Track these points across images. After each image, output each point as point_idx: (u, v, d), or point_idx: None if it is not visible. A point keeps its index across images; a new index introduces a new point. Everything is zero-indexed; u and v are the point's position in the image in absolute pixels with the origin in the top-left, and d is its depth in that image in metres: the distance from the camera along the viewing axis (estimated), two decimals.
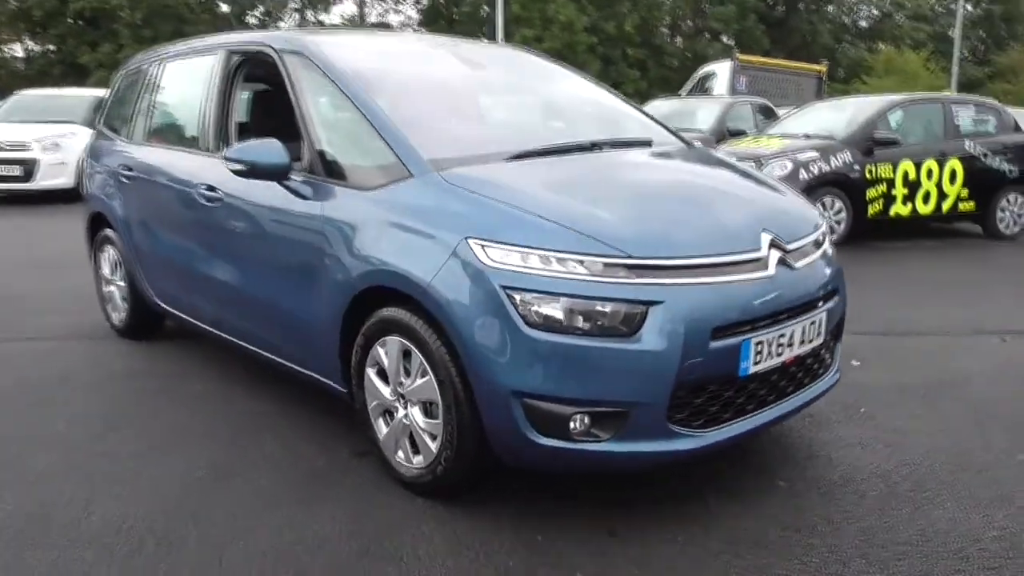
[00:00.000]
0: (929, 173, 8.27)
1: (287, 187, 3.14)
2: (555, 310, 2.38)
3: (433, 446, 2.70)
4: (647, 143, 3.49)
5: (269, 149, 3.09)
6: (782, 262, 2.65)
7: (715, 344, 2.44)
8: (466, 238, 2.51)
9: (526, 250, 2.43)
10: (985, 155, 8.49)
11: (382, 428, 2.94)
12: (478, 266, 2.47)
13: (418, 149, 2.86)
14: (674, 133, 3.74)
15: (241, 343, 3.66)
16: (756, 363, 2.54)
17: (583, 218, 2.53)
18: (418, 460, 2.79)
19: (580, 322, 2.36)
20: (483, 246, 2.48)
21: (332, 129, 3.20)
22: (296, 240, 3.14)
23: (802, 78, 17.64)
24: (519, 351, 2.40)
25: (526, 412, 2.43)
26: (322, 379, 3.19)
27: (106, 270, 4.87)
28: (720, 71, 17.18)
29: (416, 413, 2.75)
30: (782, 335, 2.61)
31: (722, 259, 2.53)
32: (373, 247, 2.80)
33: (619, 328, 2.37)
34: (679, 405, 2.45)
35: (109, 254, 4.79)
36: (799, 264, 2.73)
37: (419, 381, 2.70)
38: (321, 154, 3.10)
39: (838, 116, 8.81)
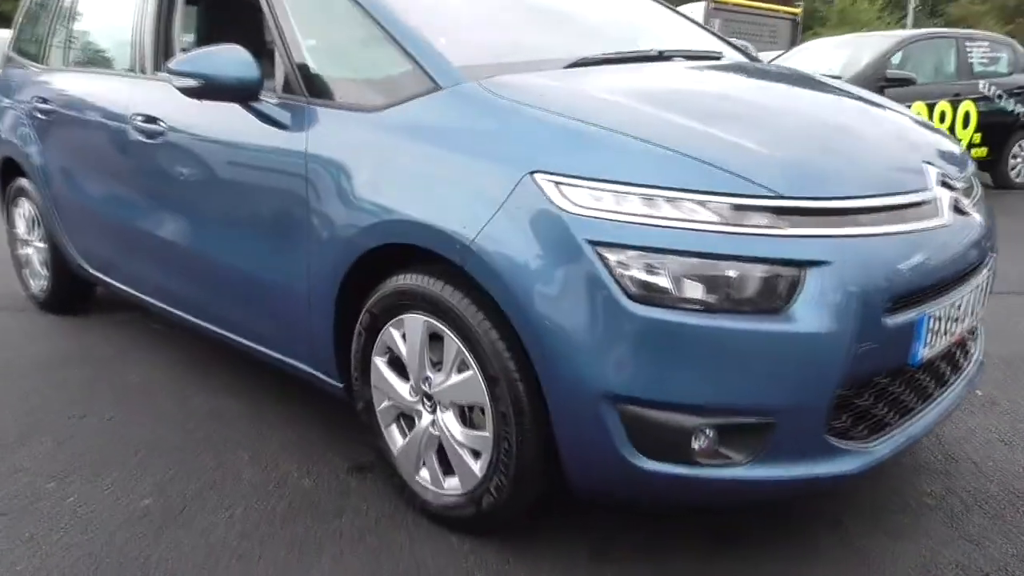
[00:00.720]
0: (942, 116, 7.65)
1: (256, 112, 2.30)
2: (667, 276, 1.62)
3: (477, 467, 1.95)
4: (717, 56, 2.72)
5: (230, 57, 2.24)
6: (954, 206, 1.93)
7: (889, 321, 1.71)
8: (531, 173, 1.73)
9: (622, 188, 1.66)
10: (1000, 96, 7.91)
11: (396, 438, 2.17)
12: (551, 213, 1.69)
13: (444, 52, 2.05)
14: (737, 47, 2.97)
15: (196, 320, 2.83)
16: (929, 344, 1.83)
17: (700, 141, 1.76)
18: (452, 484, 2.03)
19: (703, 293, 1.61)
20: (557, 184, 1.70)
21: (317, 32, 2.36)
22: (269, 186, 2.31)
23: (777, 20, 16.93)
24: (617, 336, 1.64)
25: (626, 424, 1.68)
26: (309, 370, 2.40)
27: (21, 228, 3.96)
28: (694, 12, 16.38)
29: (450, 420, 1.98)
30: (956, 306, 1.90)
31: (898, 200, 1.79)
32: (383, 191, 2.00)
33: (763, 301, 1.62)
34: (839, 408, 1.73)
35: (25, 209, 3.88)
36: (971, 209, 2.01)
37: (455, 377, 1.93)
38: (302, 68, 2.26)
39: (839, 54, 8.12)
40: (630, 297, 1.62)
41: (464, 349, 1.88)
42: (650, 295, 1.62)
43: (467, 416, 1.98)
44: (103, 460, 2.45)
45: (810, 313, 1.62)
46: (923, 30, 9.10)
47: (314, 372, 2.38)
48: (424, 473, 2.11)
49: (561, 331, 1.68)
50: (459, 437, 1.97)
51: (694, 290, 1.61)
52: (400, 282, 2.00)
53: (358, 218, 2.04)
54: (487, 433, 1.89)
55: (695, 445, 1.67)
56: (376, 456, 2.35)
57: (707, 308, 1.61)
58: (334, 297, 2.16)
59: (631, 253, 1.63)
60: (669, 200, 1.64)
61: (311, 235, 2.20)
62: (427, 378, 2.00)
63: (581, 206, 1.67)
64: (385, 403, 2.16)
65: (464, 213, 1.81)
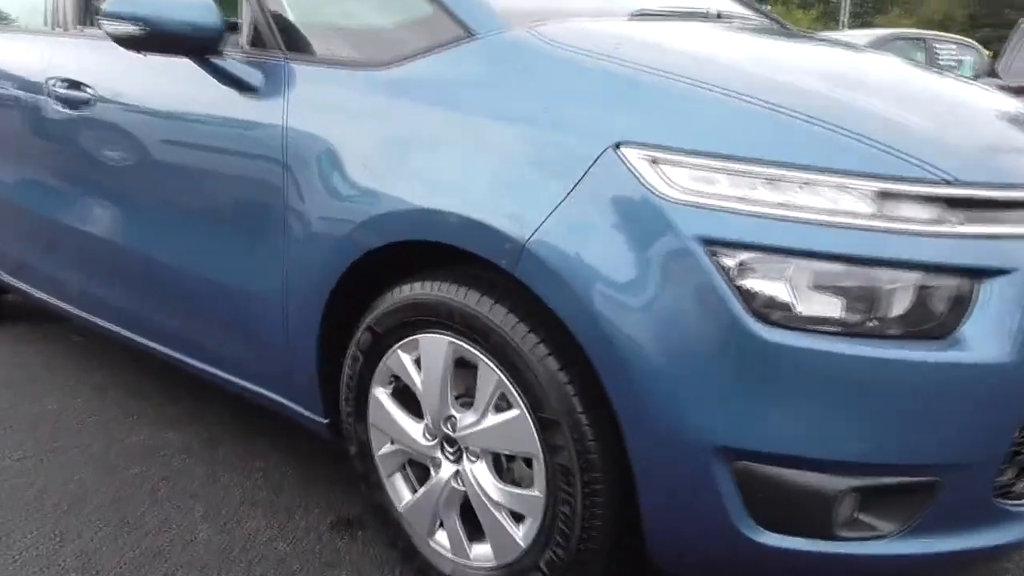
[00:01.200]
0: None
1: (215, 71, 1.79)
2: (807, 287, 1.19)
3: (519, 534, 1.49)
4: (781, 24, 2.32)
5: None
6: None
7: None
8: (615, 146, 1.28)
9: (744, 167, 1.23)
10: None
11: (401, 491, 1.69)
12: (645, 201, 1.24)
13: None
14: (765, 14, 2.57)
15: (131, 335, 2.29)
16: None
17: (837, 110, 1.32)
18: (481, 553, 1.57)
19: (855, 311, 1.19)
20: (653, 161, 1.25)
21: None
22: (232, 170, 1.81)
23: None
24: (738, 369, 1.20)
25: (742, 487, 1.24)
26: (283, 401, 1.89)
27: None
28: None
29: (481, 473, 1.52)
30: None
31: None
32: (393, 175, 1.52)
33: (922, 321, 1.21)
34: (1010, 460, 1.33)
35: None
36: None
37: (493, 418, 1.46)
38: (278, 15, 1.76)
39: None
40: (757, 316, 1.19)
41: (507, 381, 1.41)
42: (784, 314, 1.19)
43: (503, 467, 1.53)
44: (10, 519, 1.89)
45: (984, 337, 1.21)
46: (895, 30, 9.02)
47: (289, 404, 1.88)
48: (442, 537, 1.63)
49: (657, 361, 1.23)
50: (495, 495, 1.50)
51: (842, 308, 1.19)
52: (415, 292, 1.52)
53: (356, 210, 1.56)
54: (536, 492, 1.43)
55: (836, 514, 1.25)
56: (365, 508, 1.87)
57: (861, 332, 1.19)
58: (321, 310, 1.67)
59: (759, 256, 1.19)
60: (808, 184, 1.21)
61: (289, 232, 1.71)
62: (450, 417, 1.53)
63: (688, 190, 1.23)
64: (387, 447, 1.68)
65: (515, 202, 1.35)
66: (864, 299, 1.20)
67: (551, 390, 1.36)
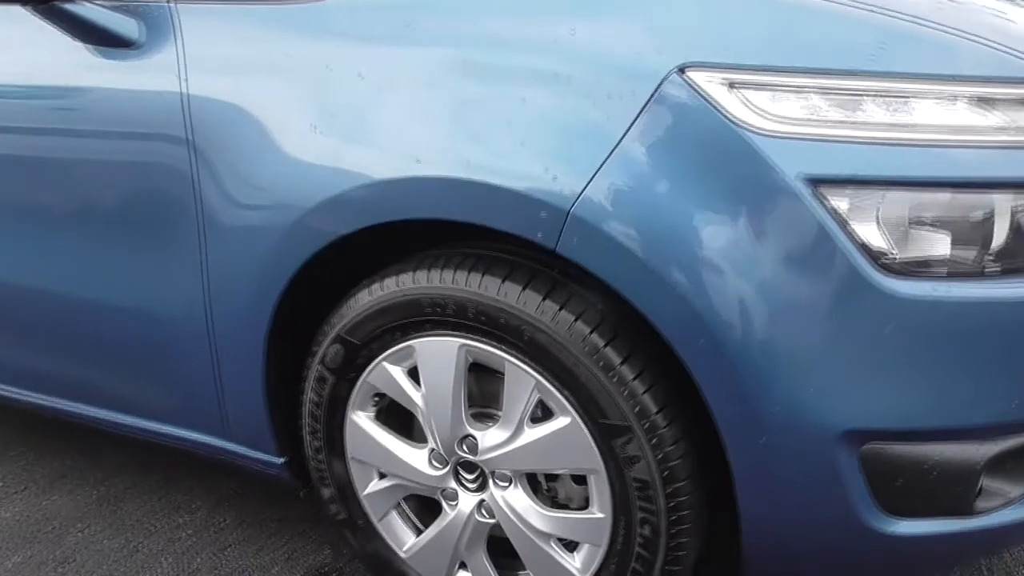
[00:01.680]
0: None
1: (69, 22, 1.32)
2: (939, 227, 0.97)
3: (576, 565, 1.21)
4: None
5: None
6: None
7: None
8: (679, 70, 0.98)
9: (841, 84, 0.97)
10: None
11: (402, 534, 1.36)
12: (727, 135, 0.96)
13: None
14: None
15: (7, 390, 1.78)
16: None
17: (941, 11, 1.09)
18: None
19: (986, 249, 0.98)
20: (732, 85, 0.97)
21: None
22: (118, 160, 1.36)
23: None
24: (866, 333, 0.97)
25: (869, 474, 1.02)
26: (222, 445, 1.50)
27: None
28: None
29: (518, 500, 1.22)
30: None
31: None
32: (359, 137, 1.16)
33: None
34: None
35: None
36: None
37: (531, 432, 1.16)
38: None
39: None
40: (881, 266, 0.96)
41: (550, 386, 1.12)
42: (913, 260, 0.96)
43: (542, 487, 1.24)
44: None
45: None
46: None
47: (230, 448, 1.48)
48: None
49: (762, 336, 0.98)
50: (540, 525, 1.21)
51: (982, 246, 0.98)
52: (407, 287, 1.18)
53: (307, 192, 1.18)
54: (599, 513, 1.16)
55: (980, 485, 1.06)
56: (348, 559, 1.54)
57: (998, 270, 0.99)
58: (267, 325, 1.30)
59: (878, 193, 0.96)
60: (928, 97, 0.97)
61: (207, 231, 1.30)
62: (466, 437, 1.22)
63: (779, 118, 0.96)
64: (376, 484, 1.34)
65: (549, 159, 1.03)
66: (1008, 235, 0.99)
67: (614, 390, 1.08)
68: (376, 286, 1.22)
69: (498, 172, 1.05)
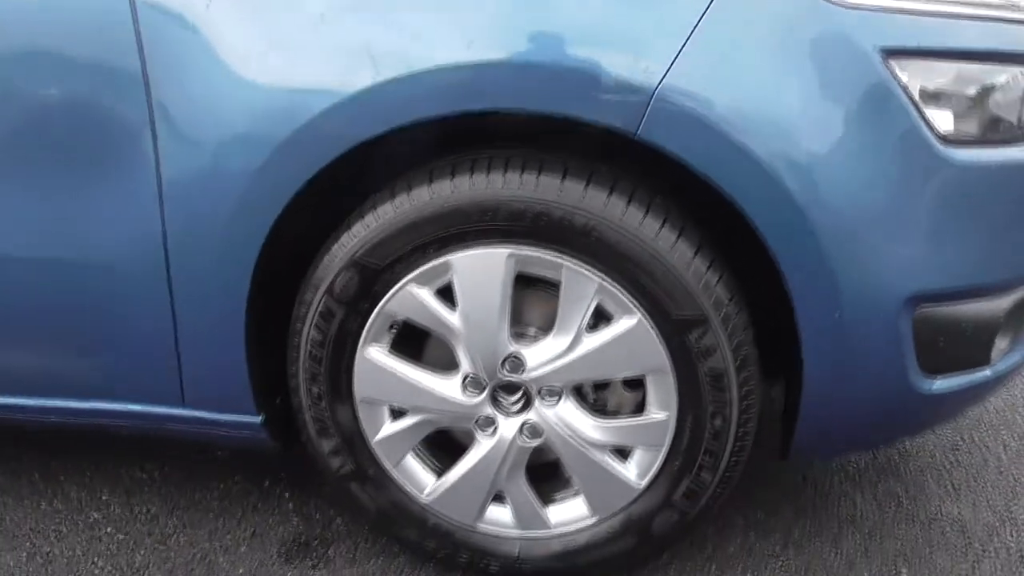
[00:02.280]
0: None
1: None
2: (993, 94, 1.05)
3: (632, 474, 1.18)
4: None
5: None
6: None
7: None
8: None
9: None
10: None
11: (422, 477, 1.24)
12: (811, 2, 0.97)
13: None
14: None
15: None
16: None
17: None
18: (566, 515, 1.22)
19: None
20: None
21: None
22: (42, 72, 1.08)
23: None
24: (932, 203, 1.03)
25: (918, 336, 1.10)
26: (178, 414, 1.26)
27: None
28: None
29: (571, 413, 1.15)
30: None
31: None
32: (377, 17, 1.01)
33: None
34: None
35: None
36: None
37: (591, 340, 1.10)
38: None
39: None
40: (945, 139, 1.02)
41: (615, 287, 1.07)
42: (974, 128, 1.04)
43: (589, 400, 1.19)
44: None
45: None
46: None
47: (190, 415, 1.25)
48: (498, 516, 1.24)
49: (843, 211, 1.00)
50: (597, 436, 1.16)
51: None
52: (446, 195, 1.06)
53: (324, 89, 1.02)
54: (660, 414, 1.13)
55: (999, 337, 1.17)
56: (305, 521, 1.39)
57: None
58: (253, 260, 1.11)
59: (944, 65, 1.01)
60: None
61: (166, 149, 1.08)
62: (509, 358, 1.13)
63: None
64: (391, 426, 1.21)
65: (630, 36, 0.97)
66: None
67: (691, 281, 1.05)
68: (402, 198, 1.08)
69: (568, 53, 0.97)
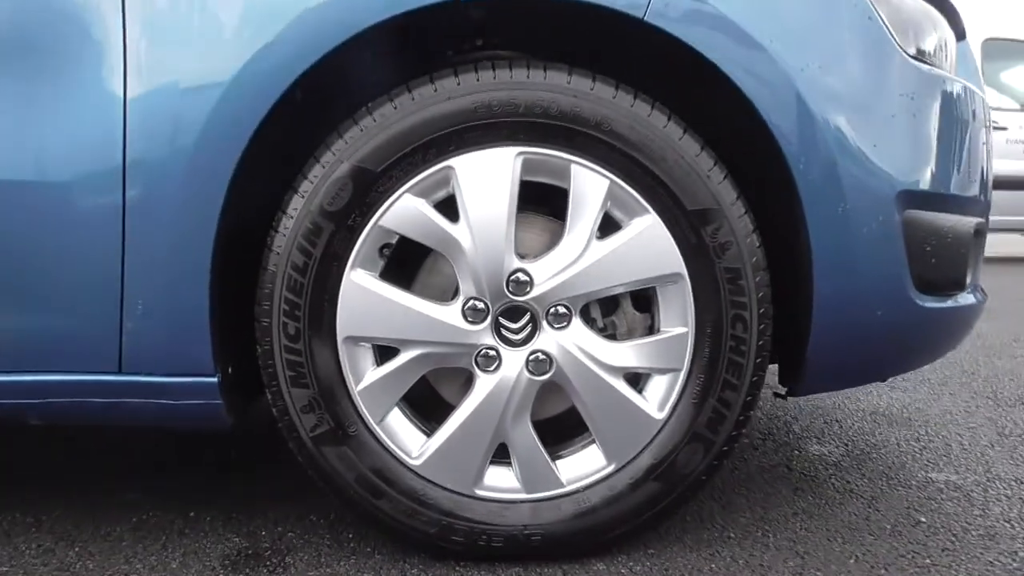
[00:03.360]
0: None
1: None
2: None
3: (654, 403, 1.08)
4: None
5: None
6: None
7: None
8: None
9: None
10: None
11: (407, 437, 1.08)
12: None
13: None
14: None
15: None
16: None
17: None
18: (579, 469, 1.09)
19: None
20: None
21: None
22: None
23: None
24: (899, 100, 1.10)
25: (908, 239, 1.12)
26: (112, 380, 1.04)
27: None
28: None
29: (581, 335, 1.06)
30: None
31: None
32: None
33: None
34: None
35: None
36: None
37: (602, 245, 1.04)
38: None
39: None
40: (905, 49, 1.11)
41: (627, 184, 1.03)
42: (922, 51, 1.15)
43: (596, 324, 1.10)
44: None
45: None
46: None
47: (128, 381, 1.04)
48: (500, 478, 1.09)
49: (841, 107, 1.05)
50: (612, 359, 1.06)
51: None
52: (450, 90, 1.01)
53: None
54: (679, 328, 1.06)
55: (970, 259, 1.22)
56: (276, 537, 1.17)
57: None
58: (225, 185, 0.99)
59: None
60: None
61: (132, 51, 0.99)
62: (515, 274, 1.04)
63: None
64: (375, 372, 1.06)
65: None
66: None
67: (703, 172, 1.04)
68: (402, 96, 1.02)
69: None
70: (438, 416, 1.10)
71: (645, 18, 1.01)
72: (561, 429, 1.13)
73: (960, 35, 1.32)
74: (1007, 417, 1.76)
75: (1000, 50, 6.29)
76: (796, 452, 1.54)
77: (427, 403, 1.13)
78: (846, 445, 1.58)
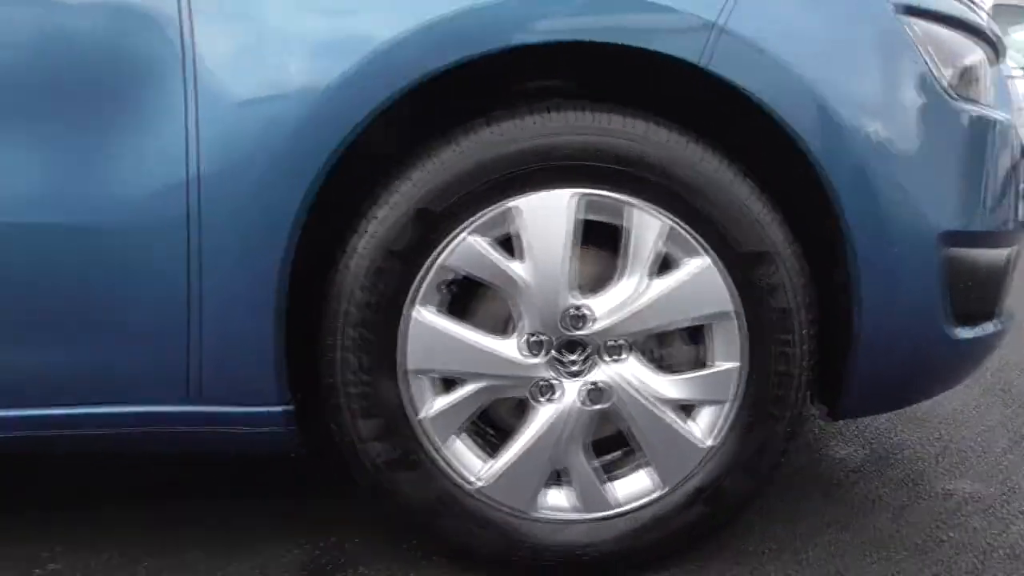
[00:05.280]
0: None
1: None
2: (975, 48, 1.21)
3: (699, 429, 1.13)
4: None
5: None
6: None
7: None
8: None
9: None
10: None
11: (470, 460, 1.13)
12: None
13: None
14: None
15: None
16: None
17: None
18: (630, 490, 1.14)
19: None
20: None
21: None
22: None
23: None
24: (945, 144, 1.14)
25: (948, 279, 1.16)
26: (186, 411, 1.09)
27: None
28: None
29: (638, 370, 1.10)
30: None
31: None
32: None
33: None
34: None
35: None
36: None
37: (660, 284, 1.08)
38: None
39: None
40: (953, 92, 1.14)
41: (682, 226, 1.07)
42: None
43: (653, 356, 1.15)
44: None
45: None
46: None
47: (201, 412, 1.08)
48: (557, 498, 1.14)
49: (895, 154, 1.09)
50: (665, 391, 1.11)
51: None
52: (512, 134, 1.04)
53: (396, 15, 1.01)
54: (728, 364, 1.11)
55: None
56: (341, 539, 1.22)
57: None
58: (293, 213, 1.03)
59: (944, 28, 1.15)
60: None
61: (201, 90, 1.01)
62: (573, 311, 1.08)
63: None
64: (441, 400, 1.10)
65: None
66: None
67: (758, 216, 1.08)
68: (464, 139, 1.05)
69: None
70: (492, 436, 1.16)
71: (700, 64, 1.03)
72: (613, 446, 1.19)
73: (999, 58, 1.34)
74: (1020, 418, 1.83)
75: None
76: (821, 455, 1.61)
77: (484, 430, 1.18)
78: (869, 447, 1.64)
